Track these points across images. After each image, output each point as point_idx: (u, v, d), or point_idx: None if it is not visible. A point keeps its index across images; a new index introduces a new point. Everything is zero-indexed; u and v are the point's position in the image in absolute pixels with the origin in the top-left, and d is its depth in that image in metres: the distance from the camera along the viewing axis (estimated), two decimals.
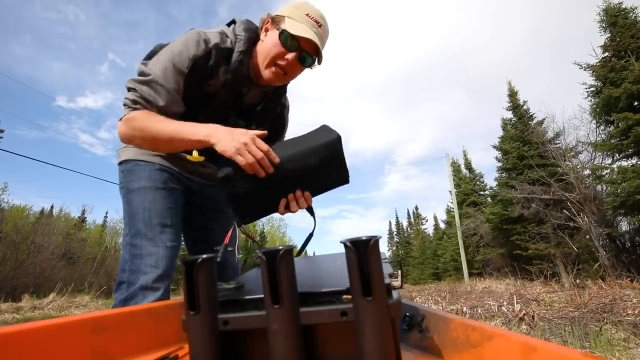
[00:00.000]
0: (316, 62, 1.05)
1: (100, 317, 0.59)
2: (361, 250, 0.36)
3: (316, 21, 0.99)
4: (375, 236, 0.37)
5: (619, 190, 8.04)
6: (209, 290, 0.41)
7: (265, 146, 0.83)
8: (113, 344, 0.59)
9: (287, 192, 0.89)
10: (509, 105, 14.49)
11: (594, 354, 1.73)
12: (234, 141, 0.83)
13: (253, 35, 1.04)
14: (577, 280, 7.14)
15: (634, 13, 9.20)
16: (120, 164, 1.14)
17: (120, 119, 0.96)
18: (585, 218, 9.29)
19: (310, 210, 0.97)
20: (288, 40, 0.97)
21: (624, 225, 9.07)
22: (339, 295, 0.50)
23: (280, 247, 0.38)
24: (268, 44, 1.00)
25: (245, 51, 1.02)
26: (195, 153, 1.01)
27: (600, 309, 3.51)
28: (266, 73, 1.02)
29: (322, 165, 0.86)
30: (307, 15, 0.99)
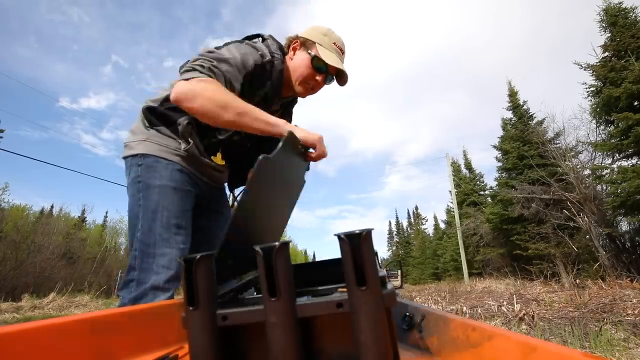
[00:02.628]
0: (338, 82, 1.21)
1: (100, 317, 0.59)
2: (354, 243, 0.37)
3: (341, 49, 1.17)
4: (368, 228, 0.38)
5: (619, 190, 8.04)
6: (208, 286, 0.42)
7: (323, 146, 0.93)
8: (113, 344, 0.59)
9: None
10: (509, 105, 14.50)
11: (594, 354, 1.73)
12: (312, 135, 0.91)
13: (281, 51, 1.17)
14: (577, 280, 7.14)
15: (634, 13, 9.20)
16: (135, 156, 1.09)
17: (187, 79, 0.92)
18: (585, 218, 9.29)
19: None
20: (320, 66, 1.13)
21: (624, 225, 9.08)
22: (334, 289, 0.51)
23: (277, 242, 0.39)
24: (301, 65, 1.15)
25: (282, 70, 1.15)
26: (219, 156, 1.12)
27: (600, 309, 3.51)
28: (298, 88, 1.18)
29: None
30: (334, 44, 1.15)
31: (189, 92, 0.91)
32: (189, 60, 1.00)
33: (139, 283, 0.99)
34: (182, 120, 1.06)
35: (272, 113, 1.12)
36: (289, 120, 1.34)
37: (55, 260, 16.17)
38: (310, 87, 1.18)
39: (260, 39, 1.20)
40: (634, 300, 3.77)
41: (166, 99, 1.10)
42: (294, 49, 1.18)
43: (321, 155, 0.93)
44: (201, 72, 0.93)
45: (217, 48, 1.07)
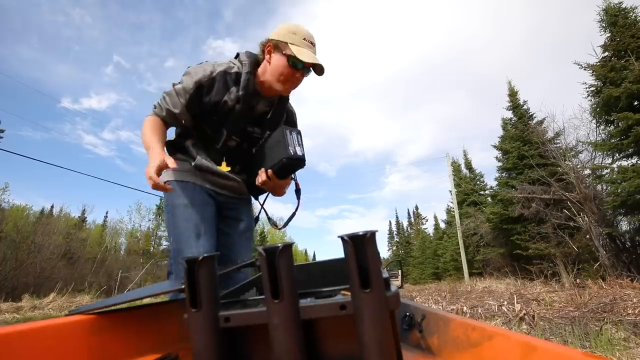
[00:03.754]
0: (316, 73, 1.31)
1: (100, 317, 0.59)
2: (358, 244, 0.37)
3: (312, 43, 1.27)
4: (372, 230, 0.37)
5: (619, 190, 8.04)
6: (211, 288, 0.42)
7: (152, 173, 1.06)
8: (113, 344, 0.58)
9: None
10: (509, 105, 14.48)
11: (594, 353, 1.73)
12: (154, 159, 1.09)
13: (254, 59, 1.32)
14: (577, 280, 7.13)
15: (634, 13, 9.19)
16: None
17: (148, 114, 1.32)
18: (586, 218, 9.28)
19: (297, 193, 1.42)
20: (297, 64, 1.24)
21: (624, 225, 9.07)
22: (337, 291, 0.50)
23: (280, 244, 0.39)
24: (279, 66, 1.26)
25: (250, 72, 1.28)
26: (223, 165, 1.33)
27: (601, 309, 3.51)
28: (280, 87, 1.28)
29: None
30: (304, 40, 1.24)
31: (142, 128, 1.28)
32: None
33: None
34: (188, 143, 1.35)
35: (259, 111, 1.36)
36: (281, 114, 1.45)
37: (56, 260, 16.17)
38: (291, 83, 1.29)
39: (236, 55, 1.37)
40: (635, 300, 3.77)
41: (178, 134, 1.41)
42: (269, 52, 1.28)
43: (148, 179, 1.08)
44: (154, 109, 1.32)
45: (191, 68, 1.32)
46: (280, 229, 1.57)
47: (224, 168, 1.33)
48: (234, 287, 0.64)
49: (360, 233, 0.37)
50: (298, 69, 1.25)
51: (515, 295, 5.02)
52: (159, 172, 1.07)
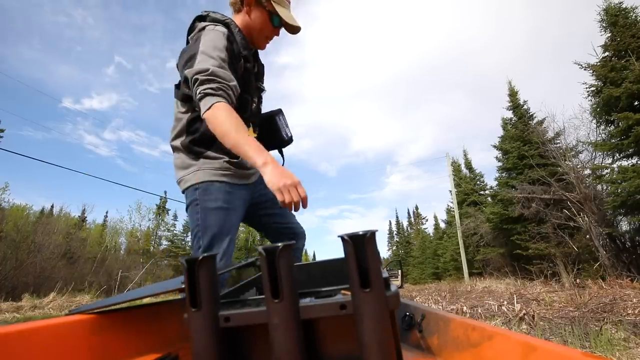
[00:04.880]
0: (289, 32, 1.32)
1: (100, 317, 0.59)
2: (358, 244, 0.37)
3: (290, 2, 1.29)
4: (372, 230, 0.37)
5: (619, 190, 8.04)
6: (211, 287, 0.42)
7: (304, 193, 0.99)
8: (113, 344, 0.58)
9: None
10: (509, 105, 14.48)
11: (594, 353, 1.73)
12: (282, 178, 0.97)
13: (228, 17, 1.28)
14: (577, 280, 7.13)
15: (634, 13, 9.19)
16: (193, 185, 1.24)
17: (209, 107, 1.06)
18: (586, 218, 9.28)
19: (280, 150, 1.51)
20: (278, 22, 1.25)
21: (624, 225, 9.07)
22: (337, 291, 0.50)
23: (280, 244, 0.38)
24: (260, 22, 1.26)
25: (240, 31, 1.25)
26: (250, 130, 1.28)
27: (601, 309, 3.51)
28: (261, 43, 1.32)
29: None
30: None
31: (210, 120, 1.07)
32: (187, 75, 1.11)
33: None
34: None
35: (254, 70, 1.32)
36: (262, 65, 1.46)
37: (56, 260, 16.17)
38: (269, 39, 1.32)
39: (205, 18, 1.27)
40: (634, 300, 3.77)
41: (190, 122, 1.25)
42: (249, 5, 1.25)
43: (291, 204, 0.98)
44: (213, 95, 1.07)
45: (187, 50, 1.18)
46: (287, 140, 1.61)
47: (252, 133, 1.30)
48: (234, 287, 0.64)
49: (360, 233, 0.37)
50: (276, 27, 1.27)
51: (515, 295, 5.02)
52: (303, 190, 0.99)
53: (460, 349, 0.53)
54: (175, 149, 1.30)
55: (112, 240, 24.69)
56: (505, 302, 4.30)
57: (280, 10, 1.23)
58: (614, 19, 9.28)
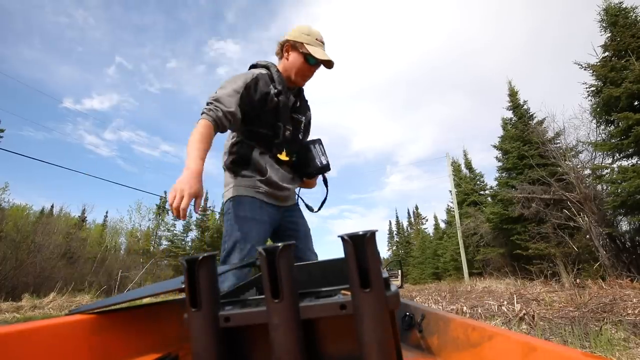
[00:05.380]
0: (326, 67, 1.52)
1: (100, 317, 0.59)
2: (358, 244, 0.37)
3: (322, 42, 1.51)
4: (372, 230, 0.37)
5: (619, 190, 8.03)
6: (210, 287, 0.42)
7: (184, 204, 1.09)
8: (113, 344, 0.58)
9: None
10: (509, 105, 14.48)
11: (594, 353, 1.72)
12: (182, 184, 1.11)
13: (271, 63, 1.55)
14: (577, 280, 7.12)
15: (634, 13, 9.18)
16: (230, 198, 1.47)
17: (197, 122, 1.33)
18: (586, 218, 9.28)
19: (325, 182, 1.67)
20: (311, 60, 1.48)
21: (624, 225, 9.06)
22: (337, 291, 0.50)
23: (280, 244, 0.39)
24: (296, 63, 1.49)
25: (277, 70, 1.52)
26: (283, 154, 1.50)
27: (601, 309, 3.51)
28: (299, 80, 1.53)
29: None
30: (317, 38, 1.48)
31: (192, 130, 1.30)
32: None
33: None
34: (255, 155, 1.46)
35: (291, 101, 1.55)
36: (306, 101, 1.69)
37: (56, 260, 16.17)
38: (307, 76, 1.53)
39: (255, 65, 1.58)
40: (634, 300, 3.77)
41: (232, 145, 1.50)
42: (287, 51, 1.51)
43: (169, 204, 1.11)
44: (205, 114, 1.33)
45: (227, 81, 1.46)
46: (315, 212, 1.72)
47: (284, 157, 1.50)
48: (234, 287, 0.64)
49: (360, 233, 0.37)
50: (312, 65, 1.49)
51: (515, 295, 5.02)
52: (187, 203, 1.09)
53: (460, 349, 0.53)
54: (223, 168, 1.55)
55: (112, 240, 24.70)
56: (505, 302, 4.30)
57: (313, 50, 1.45)
58: (614, 19, 9.28)
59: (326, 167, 1.56)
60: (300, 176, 1.63)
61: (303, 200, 1.73)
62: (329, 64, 1.50)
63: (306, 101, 1.68)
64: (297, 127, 1.58)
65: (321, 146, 1.58)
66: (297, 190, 1.71)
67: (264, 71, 1.49)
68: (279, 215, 1.55)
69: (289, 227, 1.58)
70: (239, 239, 1.36)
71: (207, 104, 1.35)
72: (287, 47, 1.51)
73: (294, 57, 1.49)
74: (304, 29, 1.49)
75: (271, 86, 1.46)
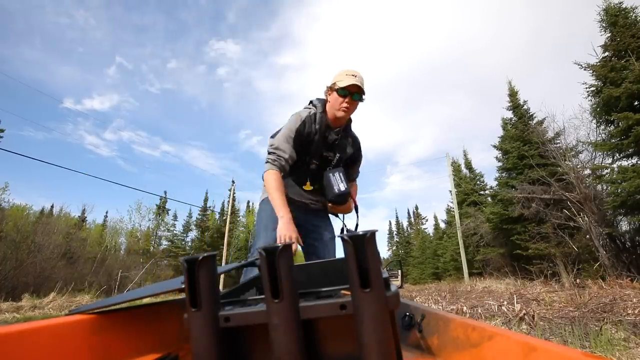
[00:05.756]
0: (363, 97, 1.68)
1: (100, 317, 0.58)
2: (358, 244, 0.37)
3: (353, 74, 1.63)
4: (372, 230, 0.37)
5: (619, 190, 8.04)
6: (210, 287, 0.41)
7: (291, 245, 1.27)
8: (113, 344, 0.58)
9: None
10: (509, 105, 14.48)
11: (594, 353, 1.72)
12: (284, 230, 1.44)
13: (323, 101, 1.75)
14: (577, 280, 7.13)
15: (634, 13, 9.19)
16: (262, 199, 1.82)
17: (265, 170, 1.60)
18: (586, 218, 9.28)
19: (356, 209, 1.85)
20: (341, 92, 1.63)
21: (624, 225, 9.07)
22: (337, 291, 0.50)
23: (279, 244, 0.39)
24: (333, 100, 1.68)
25: (322, 112, 1.72)
26: (308, 184, 1.75)
27: (601, 309, 3.51)
28: (338, 114, 1.67)
29: None
30: (346, 73, 1.63)
31: (265, 181, 1.60)
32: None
33: None
34: (285, 181, 1.68)
35: (331, 139, 1.74)
36: (357, 156, 1.88)
37: (56, 260, 16.16)
38: (345, 109, 1.65)
39: (311, 101, 1.81)
40: (634, 300, 3.77)
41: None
42: (329, 94, 1.71)
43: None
44: (270, 163, 1.59)
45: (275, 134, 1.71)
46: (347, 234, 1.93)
47: (307, 187, 1.76)
48: (234, 287, 0.64)
49: (360, 233, 0.37)
50: (345, 96, 1.63)
51: (515, 295, 5.02)
52: (295, 246, 1.32)
53: (460, 349, 0.53)
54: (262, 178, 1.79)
55: (112, 240, 24.69)
56: (505, 302, 4.30)
57: (341, 83, 1.61)
58: (614, 19, 9.28)
59: (344, 193, 1.66)
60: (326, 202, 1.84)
61: (345, 225, 1.90)
62: (351, 88, 1.61)
63: (351, 139, 1.84)
64: (325, 161, 1.76)
65: (340, 174, 1.69)
66: (340, 216, 1.92)
67: (312, 111, 1.71)
68: (303, 215, 1.75)
69: (313, 229, 1.79)
70: (263, 225, 1.68)
71: (269, 152, 1.61)
72: (328, 91, 1.72)
73: (332, 97, 1.68)
74: (340, 71, 1.68)
75: (312, 126, 1.68)
